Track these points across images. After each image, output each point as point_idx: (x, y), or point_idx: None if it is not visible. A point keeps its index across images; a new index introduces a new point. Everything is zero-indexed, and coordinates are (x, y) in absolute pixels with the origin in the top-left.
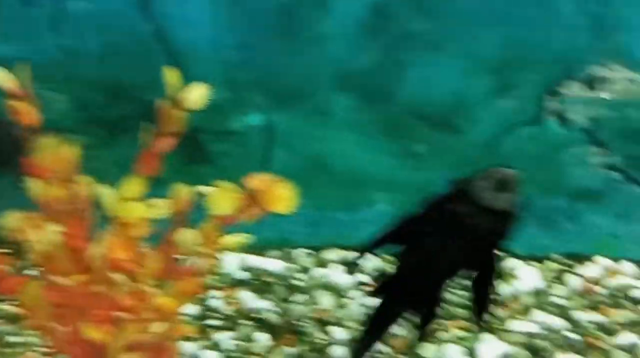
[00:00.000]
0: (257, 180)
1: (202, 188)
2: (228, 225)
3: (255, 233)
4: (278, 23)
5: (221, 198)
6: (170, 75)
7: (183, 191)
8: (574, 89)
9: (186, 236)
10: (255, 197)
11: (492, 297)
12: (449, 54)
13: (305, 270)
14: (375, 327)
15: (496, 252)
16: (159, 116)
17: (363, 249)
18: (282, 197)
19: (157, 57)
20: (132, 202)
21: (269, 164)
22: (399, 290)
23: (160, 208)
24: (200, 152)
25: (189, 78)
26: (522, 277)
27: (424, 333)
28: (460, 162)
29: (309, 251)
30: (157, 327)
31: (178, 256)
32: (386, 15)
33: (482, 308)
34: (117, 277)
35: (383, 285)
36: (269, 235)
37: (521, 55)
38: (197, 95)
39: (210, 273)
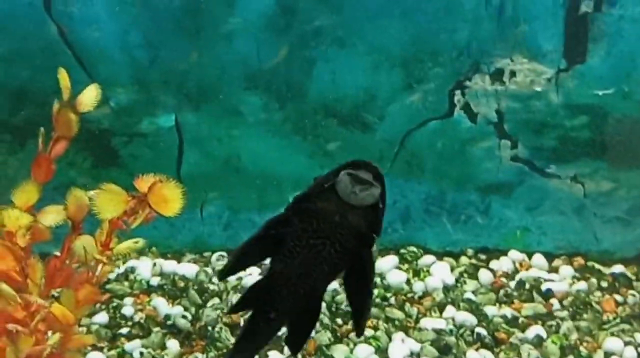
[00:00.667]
0: (145, 182)
1: (92, 193)
2: (122, 230)
3: (172, 237)
4: (184, 21)
5: (106, 201)
6: (62, 78)
7: (78, 196)
8: (480, 82)
9: (81, 243)
10: (144, 200)
11: (370, 301)
12: (356, 49)
13: None
14: (245, 341)
15: (370, 250)
16: (54, 120)
17: (231, 258)
18: (168, 198)
19: (64, 59)
20: (17, 211)
21: (180, 166)
22: (270, 298)
23: (56, 215)
24: (110, 156)
25: (97, 80)
26: (435, 273)
27: (299, 345)
28: (373, 159)
29: (225, 254)
30: (53, 338)
31: (76, 264)
32: (292, 11)
33: (363, 316)
34: (4, 288)
35: (250, 295)
36: (186, 239)
37: (428, 48)
38: (90, 97)
39: (125, 280)
